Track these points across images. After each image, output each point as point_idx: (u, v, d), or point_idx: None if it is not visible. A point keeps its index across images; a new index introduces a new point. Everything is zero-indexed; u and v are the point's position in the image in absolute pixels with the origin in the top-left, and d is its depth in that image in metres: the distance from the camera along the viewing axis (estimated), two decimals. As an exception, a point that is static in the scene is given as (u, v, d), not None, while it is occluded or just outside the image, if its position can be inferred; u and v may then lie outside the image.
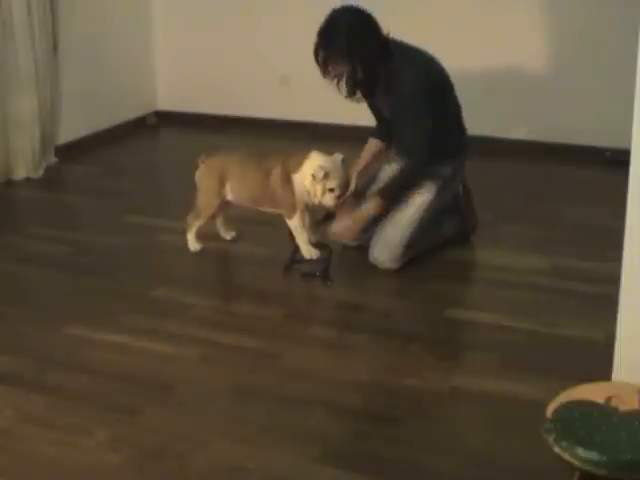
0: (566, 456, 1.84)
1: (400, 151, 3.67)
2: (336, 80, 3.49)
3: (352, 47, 3.41)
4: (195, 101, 5.96)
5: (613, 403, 1.95)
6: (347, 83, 3.48)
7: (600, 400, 1.96)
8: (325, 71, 3.48)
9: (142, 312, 3.22)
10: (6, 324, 3.18)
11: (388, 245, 3.53)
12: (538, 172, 4.90)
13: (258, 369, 2.85)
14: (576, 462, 1.82)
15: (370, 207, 3.55)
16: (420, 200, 3.58)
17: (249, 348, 2.99)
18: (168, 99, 6.08)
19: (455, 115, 3.72)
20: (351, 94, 3.53)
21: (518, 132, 5.19)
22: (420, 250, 3.63)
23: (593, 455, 1.80)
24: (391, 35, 3.54)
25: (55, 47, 5.06)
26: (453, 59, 5.06)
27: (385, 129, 3.75)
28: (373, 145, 3.78)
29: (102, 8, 5.50)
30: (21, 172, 4.91)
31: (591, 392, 2.00)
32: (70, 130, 5.31)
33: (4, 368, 2.87)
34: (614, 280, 2.20)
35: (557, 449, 1.85)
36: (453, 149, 3.68)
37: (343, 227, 3.60)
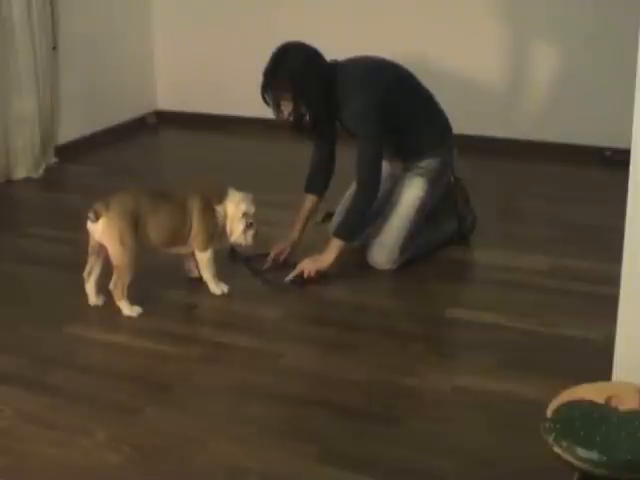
0: (566, 456, 1.84)
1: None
2: (292, 119, 3.46)
3: (299, 86, 3.38)
4: (195, 101, 5.96)
5: (613, 403, 1.95)
6: (296, 121, 3.46)
7: (600, 400, 1.96)
8: (278, 112, 3.46)
9: (142, 312, 3.22)
10: (6, 324, 3.18)
11: (384, 247, 3.53)
12: (538, 172, 4.90)
13: (258, 369, 2.86)
14: (576, 462, 1.82)
15: (331, 253, 3.43)
16: (412, 198, 3.57)
17: (249, 348, 2.99)
18: (168, 99, 6.08)
19: (425, 111, 3.66)
20: (301, 132, 3.51)
21: (518, 132, 5.18)
22: (418, 250, 3.63)
23: (593, 455, 1.80)
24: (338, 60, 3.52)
25: (55, 47, 5.06)
26: (455, 59, 5.09)
27: (320, 177, 3.67)
28: (308, 202, 3.67)
29: (102, 8, 5.49)
30: (21, 172, 4.91)
31: (591, 392, 2.00)
32: (70, 130, 5.30)
33: (4, 368, 2.87)
34: (614, 280, 2.20)
35: (557, 449, 1.85)
36: (435, 143, 3.64)
37: (309, 272, 3.44)
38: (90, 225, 3.17)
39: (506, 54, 5.09)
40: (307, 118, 3.46)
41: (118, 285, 3.19)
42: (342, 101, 3.47)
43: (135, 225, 3.16)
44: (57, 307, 3.32)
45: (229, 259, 3.60)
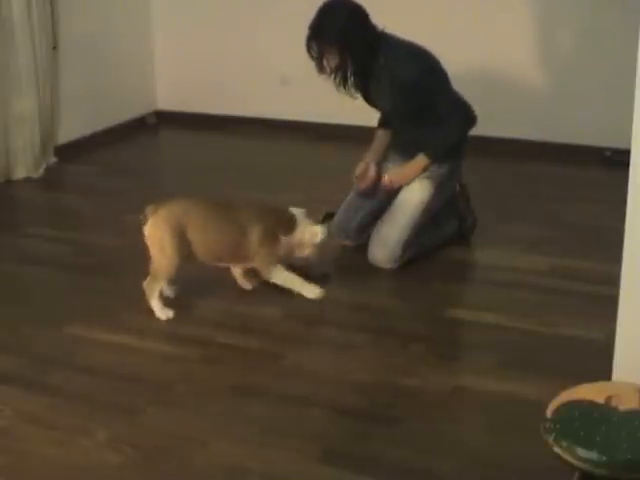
0: (566, 456, 1.84)
1: (413, 143, 3.63)
2: (334, 75, 3.48)
3: (345, 39, 3.38)
4: (195, 101, 5.96)
5: (613, 403, 1.96)
6: (340, 76, 3.47)
7: (600, 400, 1.96)
8: (321, 66, 3.45)
9: (142, 312, 3.22)
10: (6, 324, 3.18)
11: (386, 245, 3.53)
12: (538, 172, 4.90)
13: (258, 369, 2.86)
14: (576, 462, 1.83)
15: (414, 168, 3.56)
16: (417, 200, 3.58)
17: (249, 348, 2.99)
18: (168, 99, 6.08)
19: None
20: (346, 87, 3.52)
21: (518, 132, 5.18)
22: (419, 250, 3.63)
23: (593, 455, 1.80)
24: (385, 29, 3.52)
25: (55, 47, 5.06)
26: (454, 58, 5.07)
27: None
28: (384, 135, 3.73)
29: (102, 8, 5.50)
30: (21, 172, 4.91)
31: (591, 392, 2.00)
32: (70, 130, 5.31)
33: (4, 368, 2.87)
34: (614, 280, 2.20)
35: (557, 449, 1.85)
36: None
37: (396, 177, 3.59)
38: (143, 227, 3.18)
39: (505, 54, 5.08)
40: (351, 73, 3.46)
41: (150, 286, 3.17)
42: (380, 70, 3.46)
43: (180, 235, 3.12)
44: (57, 307, 3.32)
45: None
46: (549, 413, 1.95)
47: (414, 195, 3.58)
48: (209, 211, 3.23)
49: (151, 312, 3.21)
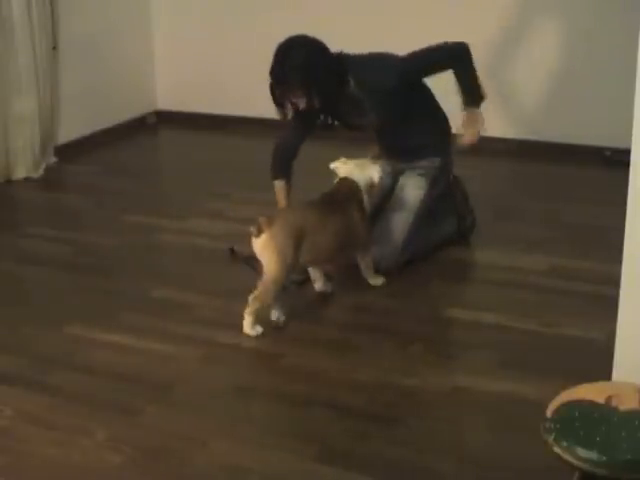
0: (566, 456, 1.84)
1: (399, 144, 3.65)
2: (293, 114, 3.44)
3: (310, 77, 3.32)
4: (195, 101, 5.96)
5: (613, 403, 1.96)
6: (306, 114, 3.44)
7: (600, 400, 1.96)
8: (283, 109, 3.40)
9: (142, 312, 3.23)
10: (6, 324, 3.18)
11: (386, 246, 3.53)
12: (538, 172, 4.90)
13: (258, 369, 2.86)
14: (576, 462, 1.83)
15: (480, 119, 3.51)
16: (413, 198, 3.58)
17: (249, 348, 2.99)
18: (168, 99, 6.08)
19: (430, 107, 3.68)
20: (317, 123, 3.55)
21: (518, 132, 5.18)
22: (418, 250, 3.62)
23: (593, 455, 1.80)
24: (345, 51, 3.49)
25: (55, 47, 5.06)
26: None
27: (289, 165, 3.62)
28: (282, 188, 3.58)
29: (102, 8, 5.50)
30: (21, 172, 4.90)
31: (591, 392, 2.00)
32: (70, 130, 5.30)
33: (4, 368, 2.87)
34: (614, 280, 2.20)
35: (557, 449, 1.85)
36: (438, 141, 3.66)
37: (472, 135, 3.53)
38: (253, 239, 3.06)
39: (505, 53, 5.09)
40: (319, 113, 3.47)
41: (258, 299, 3.04)
42: (354, 92, 3.44)
43: (299, 243, 3.05)
44: (57, 307, 3.32)
45: (229, 259, 3.60)
46: (549, 413, 1.95)
47: (410, 194, 3.58)
48: (322, 211, 3.22)
49: (150, 312, 3.21)
